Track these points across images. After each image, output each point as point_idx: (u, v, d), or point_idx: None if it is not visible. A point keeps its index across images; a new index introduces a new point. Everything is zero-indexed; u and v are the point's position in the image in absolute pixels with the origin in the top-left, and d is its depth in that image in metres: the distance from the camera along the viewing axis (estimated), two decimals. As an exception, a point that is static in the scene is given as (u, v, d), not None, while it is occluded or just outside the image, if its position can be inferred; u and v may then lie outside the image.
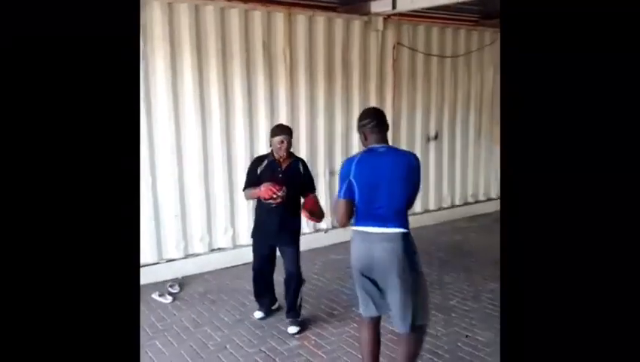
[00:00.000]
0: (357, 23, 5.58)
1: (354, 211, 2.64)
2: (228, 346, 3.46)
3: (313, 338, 3.53)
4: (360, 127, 2.68)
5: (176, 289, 4.41)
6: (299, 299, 3.71)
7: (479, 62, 6.77)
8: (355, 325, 3.53)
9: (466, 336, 3.40)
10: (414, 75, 6.19)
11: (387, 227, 2.54)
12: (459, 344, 3.39)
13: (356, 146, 5.81)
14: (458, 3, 4.91)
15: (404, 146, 6.22)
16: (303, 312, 3.89)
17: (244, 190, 3.71)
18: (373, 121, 2.64)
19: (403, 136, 6.23)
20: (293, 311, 3.71)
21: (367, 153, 2.63)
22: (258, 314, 3.87)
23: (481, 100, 6.89)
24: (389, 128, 2.74)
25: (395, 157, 2.62)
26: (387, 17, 5.64)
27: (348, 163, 2.63)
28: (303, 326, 3.68)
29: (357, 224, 2.64)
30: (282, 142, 3.52)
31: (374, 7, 5.33)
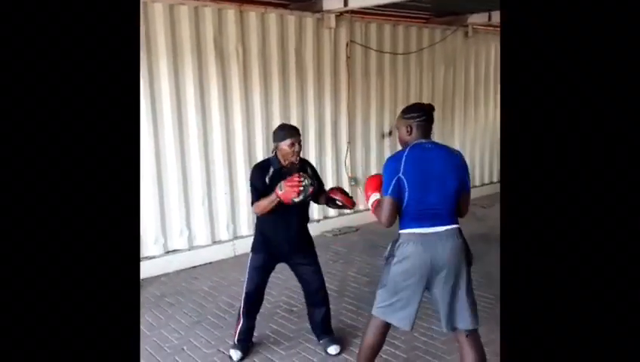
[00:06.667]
0: (309, 21, 5.59)
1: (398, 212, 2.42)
2: (185, 348, 3.40)
3: (272, 335, 3.53)
4: (405, 119, 2.48)
5: (130, 293, 4.30)
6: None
7: (430, 60, 6.90)
8: (310, 337, 3.43)
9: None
10: (368, 72, 6.26)
11: (446, 224, 2.38)
12: (415, 334, 3.45)
13: (312, 142, 5.83)
14: (409, 0, 5.01)
15: (359, 143, 6.30)
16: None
17: (253, 205, 3.03)
18: (424, 115, 2.46)
19: (358, 132, 6.29)
20: (330, 330, 3.36)
21: (415, 148, 2.41)
22: (236, 355, 3.21)
23: (432, 98, 7.02)
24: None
25: (444, 151, 2.46)
26: (339, 15, 5.68)
27: (395, 159, 2.41)
28: (343, 343, 3.36)
29: (410, 226, 2.40)
30: (293, 144, 2.94)
31: (326, 5, 5.36)
